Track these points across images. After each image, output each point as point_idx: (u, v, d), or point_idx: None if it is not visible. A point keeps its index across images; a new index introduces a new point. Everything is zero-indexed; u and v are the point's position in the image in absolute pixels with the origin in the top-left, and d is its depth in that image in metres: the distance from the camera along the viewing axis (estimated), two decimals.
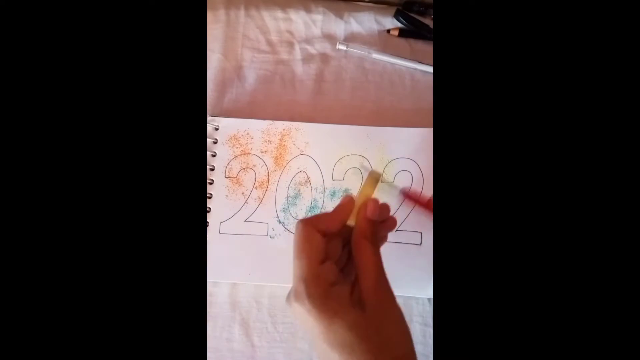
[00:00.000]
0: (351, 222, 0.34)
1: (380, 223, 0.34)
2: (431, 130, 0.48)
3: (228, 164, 0.49)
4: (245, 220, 0.47)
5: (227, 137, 0.49)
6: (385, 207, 0.35)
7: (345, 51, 0.53)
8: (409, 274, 0.45)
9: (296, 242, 0.31)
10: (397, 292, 0.46)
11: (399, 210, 0.47)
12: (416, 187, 0.37)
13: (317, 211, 0.47)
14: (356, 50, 0.53)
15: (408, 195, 0.37)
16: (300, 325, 0.43)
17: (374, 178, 0.35)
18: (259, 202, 0.48)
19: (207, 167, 0.49)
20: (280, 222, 0.47)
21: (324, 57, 0.53)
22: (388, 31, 0.54)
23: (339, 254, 0.34)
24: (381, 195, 0.35)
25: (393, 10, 0.54)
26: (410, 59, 0.52)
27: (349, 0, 0.57)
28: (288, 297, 0.30)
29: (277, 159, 0.49)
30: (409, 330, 0.30)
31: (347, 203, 0.34)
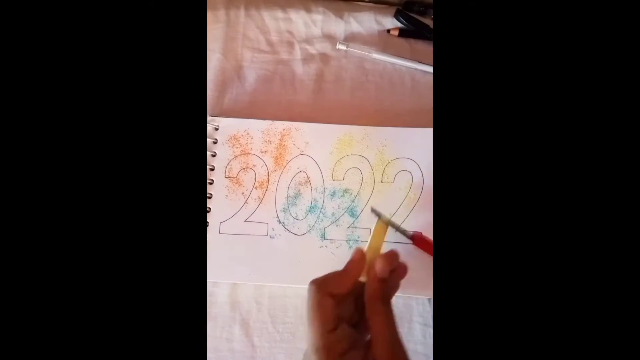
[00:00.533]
0: (363, 278, 0.33)
1: (391, 273, 0.34)
2: (431, 130, 0.48)
3: (228, 164, 0.49)
4: (245, 220, 0.47)
5: (227, 137, 0.49)
6: (394, 256, 0.34)
7: (345, 51, 0.53)
8: (409, 274, 0.45)
9: (308, 308, 0.31)
10: (397, 292, 0.46)
11: (398, 211, 0.47)
12: (427, 235, 0.36)
13: (317, 211, 0.47)
14: (356, 50, 0.53)
15: (417, 240, 0.36)
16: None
17: (383, 226, 0.35)
18: (259, 202, 0.48)
19: (207, 167, 0.49)
20: (280, 222, 0.47)
21: (324, 57, 0.53)
22: (388, 31, 0.54)
23: (351, 313, 0.33)
24: (391, 240, 0.34)
25: (393, 10, 0.54)
26: (410, 59, 0.52)
27: (349, 0, 0.57)
28: None
29: (277, 159, 0.49)
30: None
31: (358, 261, 0.34)
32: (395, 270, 0.34)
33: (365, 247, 0.36)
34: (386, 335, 0.30)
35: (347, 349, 0.30)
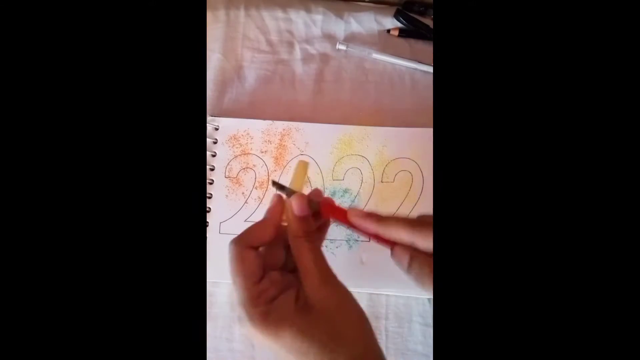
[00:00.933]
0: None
1: (314, 214, 0.33)
2: (431, 130, 0.48)
3: (228, 164, 0.49)
4: (245, 220, 0.47)
5: (227, 137, 0.49)
6: (316, 193, 0.34)
7: (345, 51, 0.53)
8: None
9: (229, 263, 0.30)
10: (397, 292, 0.46)
11: (398, 211, 0.47)
12: (330, 199, 0.35)
13: None
14: (356, 50, 0.53)
15: (326, 208, 0.34)
16: (260, 345, 0.43)
17: (302, 168, 0.34)
18: (259, 202, 0.48)
19: (207, 167, 0.49)
20: None
21: (324, 57, 0.53)
22: (388, 31, 0.54)
23: (282, 260, 0.33)
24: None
25: (393, 10, 0.54)
26: (410, 59, 0.52)
27: (349, 0, 0.57)
28: (240, 324, 0.29)
29: (277, 159, 0.49)
30: (368, 325, 0.29)
31: (275, 205, 0.33)
32: (318, 211, 0.33)
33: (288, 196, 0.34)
34: (311, 268, 0.29)
35: (277, 294, 0.29)
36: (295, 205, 0.32)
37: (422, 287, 0.31)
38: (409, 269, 0.31)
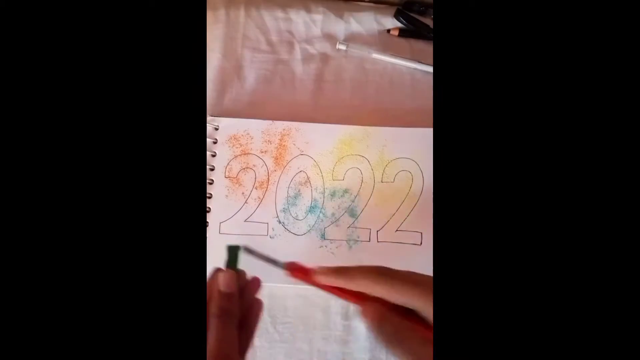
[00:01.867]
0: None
1: (244, 289, 0.33)
2: (431, 130, 0.48)
3: (228, 164, 0.49)
4: (245, 220, 0.47)
5: (227, 137, 0.49)
6: (240, 275, 0.33)
7: (345, 51, 0.53)
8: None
9: None
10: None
11: (398, 211, 0.47)
12: (300, 262, 0.34)
13: (317, 211, 0.47)
14: (356, 50, 0.53)
15: (293, 270, 0.34)
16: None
17: (233, 254, 0.34)
18: (259, 202, 0.48)
19: (207, 167, 0.49)
20: (280, 222, 0.47)
21: (324, 57, 0.53)
22: (388, 31, 0.54)
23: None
24: (262, 268, 0.33)
25: (393, 10, 0.54)
26: (410, 59, 0.52)
27: (349, 0, 0.57)
28: None
29: (277, 159, 0.49)
30: None
31: (210, 279, 0.32)
32: (247, 286, 0.33)
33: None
34: (215, 354, 0.28)
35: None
36: (222, 281, 0.31)
37: (392, 353, 0.28)
38: (379, 331, 0.28)
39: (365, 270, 0.30)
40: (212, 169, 0.49)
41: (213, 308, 0.30)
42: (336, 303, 0.46)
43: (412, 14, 0.54)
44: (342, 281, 0.30)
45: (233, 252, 0.33)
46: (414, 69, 0.53)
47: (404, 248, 0.46)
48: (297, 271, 0.33)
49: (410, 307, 0.28)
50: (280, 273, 0.46)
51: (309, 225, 0.47)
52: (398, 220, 0.47)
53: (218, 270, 0.33)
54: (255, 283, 0.34)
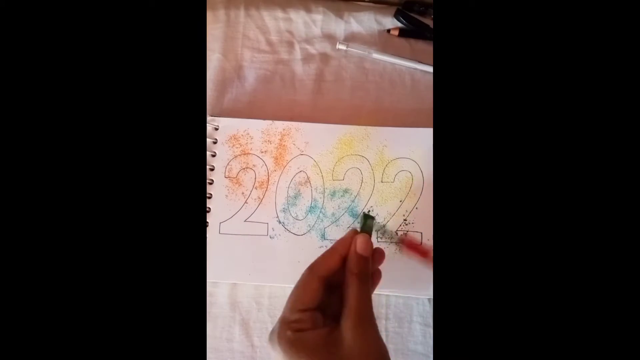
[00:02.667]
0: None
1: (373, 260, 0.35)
2: (431, 130, 0.48)
3: (228, 164, 0.49)
4: (245, 220, 0.47)
5: (227, 137, 0.49)
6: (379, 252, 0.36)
7: (345, 51, 0.53)
8: (409, 274, 0.45)
9: (295, 285, 0.33)
10: (397, 292, 0.46)
11: (398, 211, 0.47)
12: (415, 237, 0.37)
13: (317, 211, 0.47)
14: (356, 50, 0.53)
15: (407, 243, 0.37)
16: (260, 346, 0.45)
17: (369, 222, 0.36)
18: (258, 202, 0.48)
19: (207, 167, 0.49)
20: (280, 222, 0.47)
21: (324, 57, 0.53)
22: (388, 31, 0.54)
23: (333, 304, 0.33)
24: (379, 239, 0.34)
25: (393, 10, 0.54)
26: (410, 59, 0.52)
27: (349, 0, 0.57)
28: (269, 335, 0.31)
29: (277, 159, 0.49)
30: None
31: (346, 238, 0.35)
32: (374, 254, 0.35)
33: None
34: (352, 306, 0.31)
35: (310, 329, 0.30)
36: (359, 244, 0.33)
37: None
38: None
39: None
40: (212, 169, 0.49)
41: (353, 267, 0.33)
42: None
43: (412, 14, 0.54)
44: None
45: (368, 220, 0.36)
46: (414, 69, 0.52)
47: (405, 248, 0.46)
48: (414, 247, 0.37)
49: None
50: (282, 272, 0.46)
51: (309, 225, 0.47)
52: (398, 220, 0.47)
53: (355, 232, 0.35)
54: (381, 254, 0.36)
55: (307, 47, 0.54)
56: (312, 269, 0.33)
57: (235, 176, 0.48)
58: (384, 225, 0.47)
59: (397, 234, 0.36)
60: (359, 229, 0.36)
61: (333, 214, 0.47)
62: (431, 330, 0.45)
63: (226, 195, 0.48)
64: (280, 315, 0.32)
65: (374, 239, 0.35)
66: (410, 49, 0.54)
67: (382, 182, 0.48)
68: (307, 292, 0.32)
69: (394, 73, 0.53)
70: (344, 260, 0.34)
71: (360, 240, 0.34)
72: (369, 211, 0.37)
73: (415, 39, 0.54)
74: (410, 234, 0.36)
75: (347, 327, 0.30)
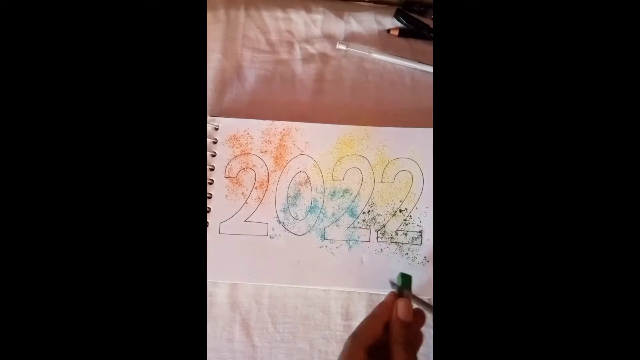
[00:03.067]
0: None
1: (413, 322, 0.34)
2: (431, 130, 0.48)
3: (228, 164, 0.49)
4: (245, 221, 0.47)
5: (227, 137, 0.49)
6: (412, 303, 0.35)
7: (345, 51, 0.53)
8: (409, 274, 0.45)
9: (340, 355, 0.32)
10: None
11: (399, 210, 0.47)
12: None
13: (317, 211, 0.47)
14: (356, 50, 0.53)
15: None
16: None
17: (407, 282, 0.36)
18: (258, 202, 0.48)
19: (207, 167, 0.49)
20: (280, 222, 0.47)
21: (324, 57, 0.53)
22: (388, 31, 0.54)
23: None
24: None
25: (393, 10, 0.54)
26: (410, 59, 0.52)
27: (349, 0, 0.57)
28: None
29: (277, 159, 0.49)
30: None
31: (388, 302, 0.34)
32: (415, 316, 0.34)
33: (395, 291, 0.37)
34: None
35: None
36: (400, 309, 0.33)
37: None
38: None
39: None
40: (212, 169, 0.49)
41: (397, 337, 0.32)
42: (336, 303, 0.46)
43: (412, 14, 0.54)
44: None
45: (407, 279, 0.36)
46: (414, 69, 0.52)
47: (404, 248, 0.46)
48: None
49: None
50: (282, 272, 0.46)
51: (309, 225, 0.47)
52: (398, 220, 0.47)
53: (395, 296, 0.34)
54: (422, 317, 0.35)
55: (307, 47, 0.54)
56: (355, 338, 0.32)
57: (235, 176, 0.48)
58: (383, 226, 0.47)
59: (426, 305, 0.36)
60: (396, 290, 0.35)
61: (333, 214, 0.47)
62: (431, 331, 0.45)
63: (226, 195, 0.48)
64: None
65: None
66: (410, 49, 0.54)
67: (382, 182, 0.48)
68: None
69: (394, 73, 0.53)
70: (387, 325, 0.33)
71: (401, 306, 0.33)
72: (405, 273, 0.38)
73: (415, 39, 0.54)
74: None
75: None
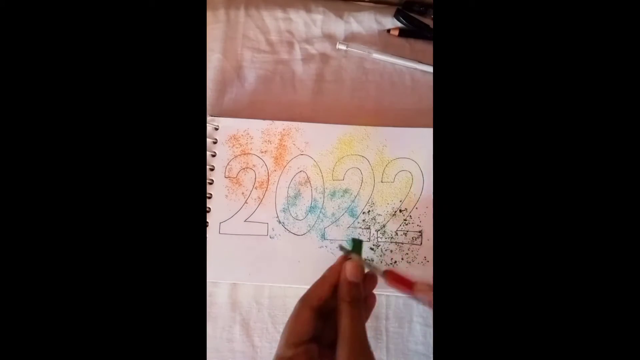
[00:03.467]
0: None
1: (365, 284, 0.35)
2: (431, 130, 0.48)
3: (228, 164, 0.49)
4: (245, 221, 0.47)
5: (227, 137, 0.49)
6: (363, 266, 0.35)
7: (345, 51, 0.53)
8: (409, 274, 0.45)
9: (288, 318, 0.33)
10: (397, 292, 0.46)
11: (399, 210, 0.47)
12: (401, 270, 0.37)
13: (317, 211, 0.47)
14: (356, 50, 0.53)
15: (391, 277, 0.35)
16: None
17: (357, 246, 0.36)
18: (258, 202, 0.48)
19: (207, 167, 0.49)
20: (280, 222, 0.47)
21: (324, 57, 0.53)
22: (388, 31, 0.54)
23: (329, 333, 0.33)
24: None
25: (393, 10, 0.54)
26: (410, 59, 0.52)
27: (349, 0, 0.57)
28: None
29: (277, 159, 0.49)
30: None
31: (336, 265, 0.34)
32: (366, 278, 0.35)
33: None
34: (346, 335, 0.30)
35: None
36: (349, 270, 0.33)
37: None
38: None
39: None
40: (212, 169, 0.49)
41: (345, 295, 0.32)
42: None
43: (412, 14, 0.54)
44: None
45: (358, 244, 0.36)
46: (414, 69, 0.52)
47: (404, 248, 0.46)
48: (397, 279, 0.35)
49: None
50: (282, 272, 0.46)
51: (309, 225, 0.47)
52: (398, 220, 0.47)
53: (345, 258, 0.35)
54: (373, 279, 0.36)
55: (307, 47, 0.54)
56: (303, 300, 0.33)
57: (235, 176, 0.48)
58: (383, 226, 0.47)
59: (383, 266, 0.36)
60: (344, 253, 0.36)
61: (333, 214, 0.47)
62: (431, 330, 0.45)
63: (226, 195, 0.48)
64: (275, 351, 0.31)
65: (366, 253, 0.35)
66: (410, 49, 0.54)
67: (382, 182, 0.48)
68: (300, 325, 0.32)
69: (394, 73, 0.53)
70: (336, 287, 0.33)
71: (349, 267, 0.33)
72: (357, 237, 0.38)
73: (415, 39, 0.54)
74: (396, 267, 0.36)
75: (342, 356, 0.30)
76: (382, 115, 0.51)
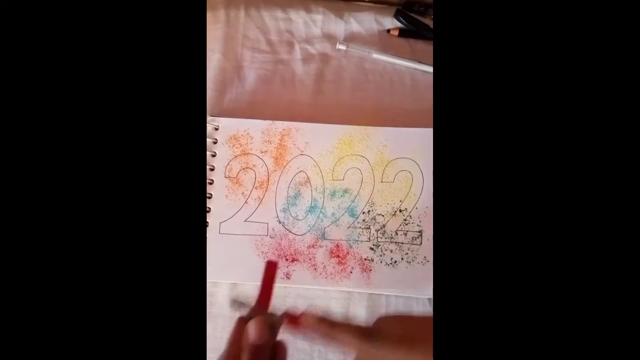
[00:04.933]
0: None
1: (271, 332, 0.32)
2: (431, 130, 0.48)
3: (228, 164, 0.49)
4: (245, 220, 0.47)
5: (227, 137, 0.49)
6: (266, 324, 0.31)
7: (345, 51, 0.53)
8: (409, 274, 0.45)
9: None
10: (397, 292, 0.46)
11: (399, 210, 0.47)
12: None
13: (317, 211, 0.47)
14: (356, 50, 0.53)
15: (289, 318, 0.33)
16: None
17: (271, 269, 0.35)
18: (258, 202, 0.48)
19: (207, 167, 0.49)
20: (280, 222, 0.47)
21: (324, 57, 0.53)
22: (388, 31, 0.54)
23: None
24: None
25: (393, 10, 0.54)
26: (410, 59, 0.52)
27: (349, 0, 0.57)
28: None
29: (277, 159, 0.49)
30: None
31: (235, 332, 0.31)
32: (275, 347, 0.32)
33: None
34: None
35: None
36: (252, 332, 0.29)
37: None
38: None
39: (352, 329, 0.32)
40: (212, 169, 0.49)
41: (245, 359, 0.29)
42: (336, 303, 0.46)
43: (412, 14, 0.54)
44: (326, 332, 0.33)
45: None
46: (414, 69, 0.53)
47: (404, 248, 0.46)
48: (291, 321, 0.34)
49: None
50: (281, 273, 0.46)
51: (309, 225, 0.47)
52: (398, 220, 0.47)
53: (243, 319, 0.31)
54: (282, 349, 0.32)
55: (307, 47, 0.54)
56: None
57: (235, 176, 0.48)
58: (383, 226, 0.47)
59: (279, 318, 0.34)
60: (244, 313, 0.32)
61: (333, 214, 0.47)
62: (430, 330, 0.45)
63: (226, 195, 0.48)
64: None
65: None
66: (410, 49, 0.54)
67: (382, 182, 0.48)
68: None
69: (394, 73, 0.53)
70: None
71: (252, 327, 0.29)
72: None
73: (415, 39, 0.54)
74: (291, 310, 0.33)
75: None
76: (382, 115, 0.51)
